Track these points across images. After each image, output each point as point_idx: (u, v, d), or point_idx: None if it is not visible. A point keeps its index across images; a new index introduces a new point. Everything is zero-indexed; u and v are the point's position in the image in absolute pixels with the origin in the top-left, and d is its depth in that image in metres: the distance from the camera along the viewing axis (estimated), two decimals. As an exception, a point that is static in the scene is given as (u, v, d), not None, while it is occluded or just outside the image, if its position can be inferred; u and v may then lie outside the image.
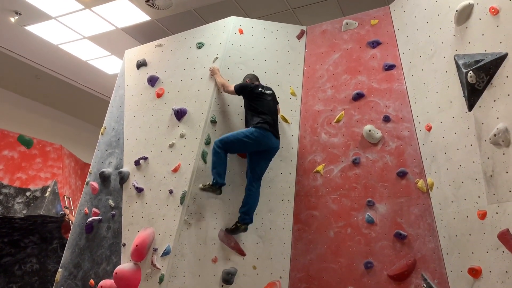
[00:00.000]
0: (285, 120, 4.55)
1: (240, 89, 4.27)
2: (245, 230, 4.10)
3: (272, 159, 4.28)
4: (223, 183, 4.10)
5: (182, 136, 4.50)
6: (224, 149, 4.10)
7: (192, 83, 4.68)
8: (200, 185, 4.20)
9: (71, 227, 5.17)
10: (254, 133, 4.03)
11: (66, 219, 7.82)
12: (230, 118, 4.49)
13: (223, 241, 4.14)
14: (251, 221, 4.13)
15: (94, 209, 4.76)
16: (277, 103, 4.41)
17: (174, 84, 4.79)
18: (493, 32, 3.17)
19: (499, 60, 3.08)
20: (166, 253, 4.09)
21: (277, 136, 4.20)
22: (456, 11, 3.48)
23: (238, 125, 4.46)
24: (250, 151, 4.19)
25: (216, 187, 4.09)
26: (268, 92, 4.27)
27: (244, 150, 4.24)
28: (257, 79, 4.45)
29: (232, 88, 4.30)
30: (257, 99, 4.18)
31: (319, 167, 4.36)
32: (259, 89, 4.22)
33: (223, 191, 4.19)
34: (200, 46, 4.80)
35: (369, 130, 4.25)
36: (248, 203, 4.12)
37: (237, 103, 4.52)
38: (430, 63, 3.91)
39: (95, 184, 4.88)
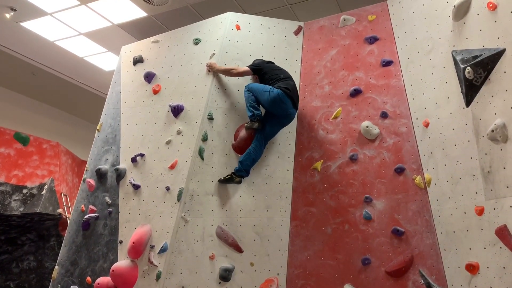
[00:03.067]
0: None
1: (256, 66, 4.36)
2: (239, 182, 4.21)
3: (270, 154, 4.33)
4: (259, 114, 4.18)
5: (179, 132, 4.48)
6: (249, 90, 4.26)
7: (189, 79, 4.66)
8: (246, 124, 4.23)
9: (68, 224, 5.15)
10: (273, 91, 4.09)
11: (64, 217, 7.80)
12: (227, 115, 4.47)
13: (220, 238, 4.13)
14: (247, 175, 4.24)
15: (91, 206, 4.74)
16: None
17: (170, 80, 4.77)
18: (491, 28, 3.16)
19: (497, 55, 3.07)
20: (163, 250, 4.08)
21: (295, 105, 4.24)
22: (454, 6, 3.47)
23: (236, 121, 4.45)
24: (265, 106, 4.26)
25: (252, 119, 4.15)
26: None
27: (261, 100, 4.23)
28: None
29: (244, 68, 4.36)
30: (275, 69, 4.32)
31: (317, 164, 4.35)
32: (273, 63, 4.42)
33: (221, 187, 4.21)
34: (197, 42, 4.78)
35: (367, 127, 4.24)
36: (251, 157, 4.21)
37: (235, 99, 4.51)
38: (427, 59, 3.89)
39: (92, 181, 4.86)
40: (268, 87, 4.15)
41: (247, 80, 4.50)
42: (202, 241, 4.11)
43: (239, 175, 4.20)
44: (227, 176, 4.21)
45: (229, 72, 4.42)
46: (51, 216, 7.59)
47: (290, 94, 4.14)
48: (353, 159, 4.24)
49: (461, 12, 3.43)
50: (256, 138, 4.26)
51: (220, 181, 4.23)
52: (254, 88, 4.26)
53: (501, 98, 3.03)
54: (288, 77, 4.30)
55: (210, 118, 4.43)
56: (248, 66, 4.38)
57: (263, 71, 4.33)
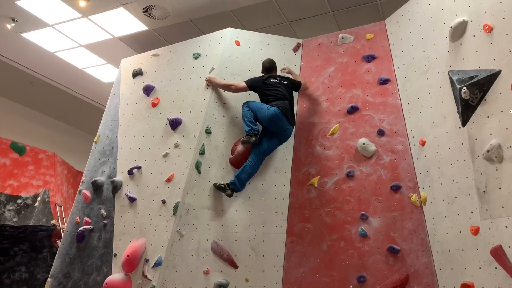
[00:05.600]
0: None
1: (252, 84, 4.40)
2: (230, 196, 4.20)
3: (267, 169, 4.34)
4: (257, 129, 4.21)
5: (176, 146, 4.48)
6: (248, 106, 4.32)
7: (188, 93, 4.68)
8: (242, 138, 4.28)
9: (62, 235, 5.11)
10: (270, 109, 4.17)
11: (58, 228, 7.74)
12: (225, 129, 4.49)
13: (215, 252, 4.11)
14: (241, 190, 4.25)
15: (86, 218, 4.71)
16: (299, 85, 4.56)
17: (169, 93, 4.79)
18: (486, 49, 3.21)
19: (493, 76, 3.11)
20: (157, 264, 4.05)
21: (291, 122, 4.30)
22: (451, 27, 3.52)
23: (234, 136, 4.47)
24: (262, 123, 4.31)
25: (249, 133, 4.19)
26: (282, 82, 4.42)
27: (259, 117, 4.30)
28: (273, 67, 4.56)
29: (243, 85, 4.40)
30: (270, 90, 4.33)
31: (314, 180, 4.36)
32: (272, 80, 4.39)
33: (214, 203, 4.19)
34: (196, 56, 4.82)
35: (364, 144, 4.27)
36: (248, 171, 4.23)
37: (233, 113, 4.53)
38: (424, 78, 3.94)
39: (88, 193, 4.84)
40: (265, 105, 4.24)
41: (246, 95, 4.53)
42: (197, 255, 4.08)
43: (232, 188, 4.20)
44: (222, 184, 4.22)
45: (228, 88, 4.47)
46: (44, 227, 7.54)
47: (286, 113, 4.19)
48: (349, 175, 4.26)
49: (458, 33, 3.49)
50: (253, 153, 4.27)
51: (214, 185, 4.26)
52: (252, 105, 4.34)
53: (497, 119, 3.06)
54: (283, 97, 4.30)
55: (208, 132, 4.44)
56: (246, 83, 4.40)
57: (259, 89, 4.38)
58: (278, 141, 4.35)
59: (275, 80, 4.41)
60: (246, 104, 4.39)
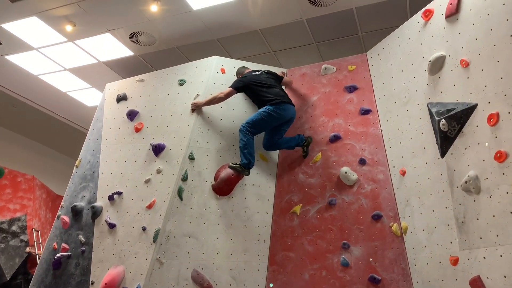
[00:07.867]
0: (264, 159, 4.58)
1: (238, 84, 4.47)
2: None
3: (250, 195, 4.34)
4: (253, 164, 4.29)
5: (158, 171, 4.45)
6: (252, 132, 4.30)
7: (172, 119, 4.69)
8: (231, 163, 4.29)
9: (38, 262, 4.96)
10: (275, 110, 4.29)
11: (34, 254, 7.52)
12: (208, 155, 4.48)
13: (195, 281, 4.03)
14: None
15: (64, 245, 4.59)
16: (281, 77, 4.78)
17: (153, 119, 4.79)
18: (463, 83, 3.32)
19: (470, 110, 3.21)
20: (136, 292, 3.96)
21: (291, 103, 4.50)
22: (430, 61, 3.64)
23: (217, 162, 4.46)
24: (275, 125, 4.41)
25: (246, 167, 4.22)
26: (261, 72, 4.63)
27: (270, 127, 4.41)
28: (246, 68, 4.77)
29: (228, 90, 4.45)
30: (256, 81, 4.45)
31: (296, 208, 4.36)
32: (253, 73, 4.54)
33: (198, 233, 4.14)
34: (181, 83, 4.85)
35: (346, 172, 4.31)
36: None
37: (217, 140, 4.54)
38: (404, 110, 4.04)
39: (66, 218, 4.74)
40: (264, 112, 4.29)
41: (230, 121, 4.55)
42: (176, 284, 4.00)
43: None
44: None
45: (216, 99, 4.45)
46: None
47: (283, 99, 4.37)
48: (331, 204, 4.27)
49: (436, 67, 3.61)
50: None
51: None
52: (256, 122, 4.31)
53: (474, 151, 3.14)
54: (272, 85, 4.47)
55: (192, 158, 4.43)
56: (231, 87, 4.46)
57: (246, 86, 4.47)
58: (288, 126, 4.53)
59: (257, 72, 4.58)
60: (248, 127, 4.29)
